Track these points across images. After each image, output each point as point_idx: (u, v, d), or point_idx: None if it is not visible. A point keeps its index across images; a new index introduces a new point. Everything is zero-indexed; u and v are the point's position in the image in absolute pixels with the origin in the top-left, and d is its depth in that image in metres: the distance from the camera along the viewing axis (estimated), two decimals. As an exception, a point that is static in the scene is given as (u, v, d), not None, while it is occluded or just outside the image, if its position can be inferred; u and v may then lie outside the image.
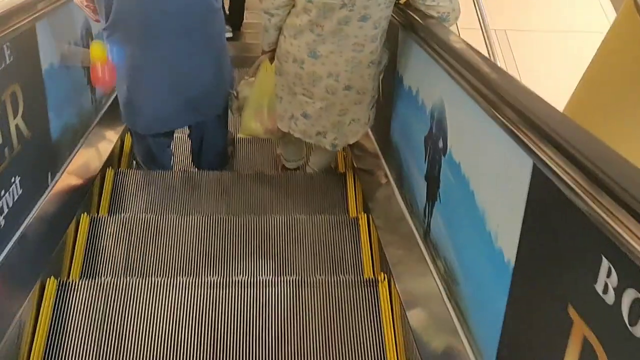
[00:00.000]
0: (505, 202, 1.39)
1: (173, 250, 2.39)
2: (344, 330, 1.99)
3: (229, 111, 2.93)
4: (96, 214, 2.63)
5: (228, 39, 3.28)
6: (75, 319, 1.97)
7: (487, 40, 3.30)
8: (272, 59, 2.62)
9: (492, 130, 1.40)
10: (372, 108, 2.62)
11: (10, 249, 1.92)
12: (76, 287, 2.05)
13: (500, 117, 1.36)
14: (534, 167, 1.21)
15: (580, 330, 1.04)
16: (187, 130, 3.09)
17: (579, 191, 1.02)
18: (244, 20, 5.04)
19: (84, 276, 2.27)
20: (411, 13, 2.27)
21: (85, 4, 2.57)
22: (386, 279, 2.13)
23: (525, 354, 1.29)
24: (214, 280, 2.10)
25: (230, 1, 4.85)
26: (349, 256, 2.42)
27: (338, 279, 2.15)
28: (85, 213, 2.47)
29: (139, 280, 2.09)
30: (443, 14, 2.24)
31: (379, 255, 2.34)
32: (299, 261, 2.39)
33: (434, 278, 1.90)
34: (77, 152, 2.68)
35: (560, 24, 4.74)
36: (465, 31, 3.17)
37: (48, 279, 2.04)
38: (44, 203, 2.23)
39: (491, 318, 1.42)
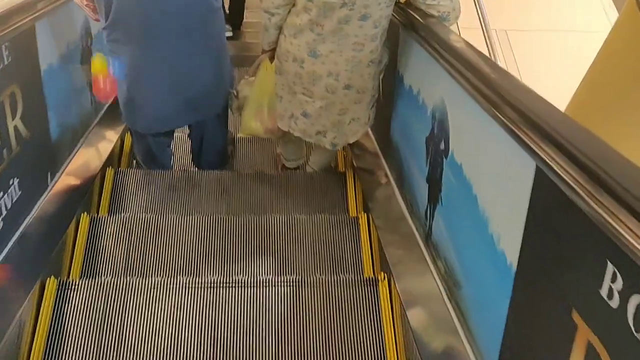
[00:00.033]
0: (507, 204, 1.38)
1: (173, 250, 2.39)
2: (344, 330, 1.99)
3: (229, 110, 2.93)
4: (96, 214, 2.63)
5: (228, 38, 3.28)
6: (75, 319, 1.97)
7: (487, 40, 3.30)
8: (272, 58, 2.61)
9: (495, 132, 1.39)
10: (372, 107, 2.61)
11: (10, 248, 1.91)
12: (76, 287, 2.05)
13: (502, 118, 1.34)
14: (537, 168, 1.19)
15: (584, 336, 1.02)
16: (187, 130, 3.08)
17: (582, 193, 1.00)
18: (244, 20, 5.04)
19: (84, 276, 2.27)
20: (412, 12, 2.27)
21: (85, 3, 2.56)
22: (386, 279, 2.13)
23: (528, 358, 1.27)
24: (213, 280, 2.10)
25: (230, 0, 4.85)
26: (349, 255, 2.42)
27: (338, 278, 2.15)
28: (85, 213, 2.47)
29: (139, 280, 2.09)
30: (443, 13, 2.23)
31: (379, 254, 2.34)
32: (298, 260, 2.39)
33: (434, 278, 1.89)
34: (76, 152, 2.67)
35: (561, 24, 4.74)
36: (466, 31, 3.17)
37: (48, 278, 2.04)
38: (44, 203, 2.22)
39: (493, 321, 1.40)
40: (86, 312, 1.99)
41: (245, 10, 5.01)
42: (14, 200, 1.95)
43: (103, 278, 2.15)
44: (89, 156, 2.79)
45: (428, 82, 2.11)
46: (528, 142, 1.21)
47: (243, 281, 2.10)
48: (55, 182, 2.38)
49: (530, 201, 1.24)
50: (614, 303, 0.94)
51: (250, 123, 2.81)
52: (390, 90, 2.58)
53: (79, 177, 2.61)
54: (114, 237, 2.41)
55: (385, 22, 2.34)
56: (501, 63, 3.65)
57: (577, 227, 1.06)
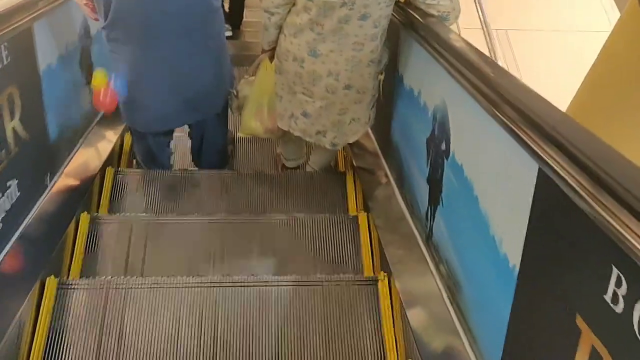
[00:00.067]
0: (509, 206, 1.36)
1: (173, 249, 2.39)
2: (344, 329, 1.99)
3: (229, 110, 2.93)
4: (96, 213, 2.63)
5: (227, 37, 3.28)
6: (75, 318, 1.97)
7: (488, 40, 3.30)
8: (272, 58, 2.61)
9: (496, 133, 1.37)
10: (372, 107, 2.61)
11: (10, 248, 1.91)
12: (76, 286, 2.05)
13: (504, 118, 1.33)
14: (540, 171, 1.18)
15: (588, 341, 1.01)
16: (187, 129, 3.08)
17: (587, 197, 0.98)
18: (244, 19, 5.04)
19: (83, 275, 2.26)
20: (412, 12, 2.27)
21: (84, 2, 2.56)
22: (386, 278, 2.13)
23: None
24: (213, 279, 2.10)
25: (230, 0, 4.85)
26: (349, 255, 2.42)
27: (338, 277, 2.15)
28: (85, 212, 2.47)
29: (139, 279, 2.09)
30: (443, 13, 2.23)
31: (379, 254, 2.34)
32: (299, 260, 2.39)
33: (434, 279, 1.89)
34: (76, 152, 2.67)
35: (561, 24, 4.74)
36: (466, 30, 3.17)
37: (48, 278, 2.04)
38: (43, 203, 2.22)
39: (495, 324, 1.39)
40: (86, 311, 1.99)
41: (245, 9, 5.01)
42: (13, 201, 1.95)
43: (103, 277, 2.15)
44: (89, 156, 2.79)
45: (429, 82, 2.11)
46: (530, 144, 1.19)
47: (243, 281, 2.10)
48: (55, 181, 2.38)
49: (532, 204, 1.22)
50: (619, 308, 0.93)
51: (250, 123, 2.81)
52: (390, 90, 2.58)
53: (79, 177, 2.60)
54: (113, 236, 2.41)
55: (385, 22, 2.34)
56: (501, 63, 3.65)
57: (580, 230, 1.04)
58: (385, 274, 2.15)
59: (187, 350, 1.90)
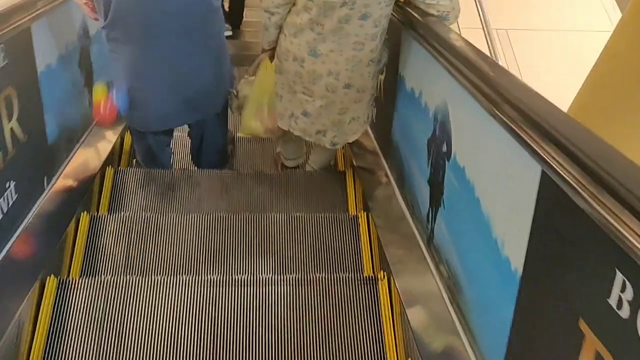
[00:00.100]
0: (512, 208, 1.35)
1: (173, 249, 2.39)
2: (344, 328, 1.99)
3: (229, 110, 2.93)
4: (96, 213, 2.63)
5: (227, 37, 3.28)
6: (75, 317, 1.97)
7: (488, 40, 3.30)
8: (272, 58, 2.61)
9: (499, 134, 1.35)
10: (372, 106, 2.61)
11: (10, 248, 1.91)
12: (76, 286, 2.05)
13: (506, 119, 1.31)
14: (543, 173, 1.16)
15: (592, 345, 1.00)
16: (187, 129, 3.08)
17: (590, 200, 0.97)
18: (244, 19, 5.04)
19: (83, 274, 2.27)
20: (413, 12, 2.26)
21: (84, 1, 2.56)
22: (386, 277, 2.13)
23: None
24: (214, 279, 2.10)
25: (230, 0, 4.85)
26: (349, 254, 2.42)
27: (338, 277, 2.15)
28: (85, 211, 2.47)
29: (139, 279, 2.09)
30: (443, 12, 2.23)
31: (379, 253, 2.34)
32: (299, 259, 2.39)
33: (434, 279, 1.88)
34: (76, 151, 2.67)
35: (561, 24, 4.74)
36: (467, 30, 3.17)
37: (48, 277, 2.03)
38: (44, 202, 2.22)
39: (497, 327, 1.38)
40: (86, 310, 1.99)
41: (245, 9, 5.01)
42: (12, 201, 1.95)
43: (103, 277, 2.15)
44: (89, 155, 2.79)
45: (430, 83, 2.10)
46: (533, 146, 1.17)
47: (243, 280, 2.10)
48: (55, 181, 2.38)
49: (535, 206, 1.20)
50: (624, 313, 0.91)
51: (250, 122, 2.81)
52: (391, 90, 2.58)
53: (79, 176, 2.60)
54: (113, 235, 2.41)
55: (385, 22, 2.34)
56: (502, 62, 3.65)
57: (584, 233, 1.03)
58: (385, 273, 2.15)
59: (186, 349, 1.90)
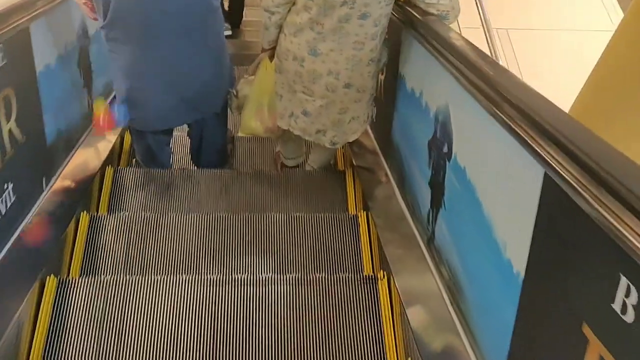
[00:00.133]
0: (514, 211, 1.33)
1: (173, 248, 2.39)
2: (344, 328, 1.99)
3: (229, 109, 2.93)
4: (96, 212, 2.63)
5: (227, 36, 3.28)
6: (75, 317, 1.97)
7: (488, 39, 3.30)
8: (272, 57, 2.61)
9: (500, 135, 1.34)
10: (372, 106, 2.61)
11: (9, 247, 1.91)
12: (76, 285, 2.05)
13: (507, 120, 1.30)
14: (546, 175, 1.15)
15: (596, 350, 0.98)
16: (186, 129, 3.08)
17: (594, 203, 0.95)
18: (244, 18, 5.03)
19: (83, 274, 2.27)
20: (411, 11, 2.26)
21: (83, 1, 2.56)
22: (386, 277, 2.13)
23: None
24: (213, 278, 2.10)
25: (230, -1, 4.85)
26: (349, 254, 2.42)
27: (338, 276, 2.15)
28: (85, 211, 2.47)
29: (139, 278, 2.09)
30: (442, 12, 2.23)
31: (379, 253, 2.34)
32: (298, 259, 2.39)
33: (435, 280, 1.88)
34: (76, 151, 2.67)
35: (562, 23, 4.74)
36: (467, 30, 3.17)
37: (48, 276, 2.03)
38: (44, 202, 2.22)
39: (499, 330, 1.37)
40: (86, 310, 1.99)
41: (245, 8, 5.01)
42: (11, 202, 1.94)
43: (103, 276, 2.15)
44: (89, 155, 2.78)
45: (430, 83, 2.09)
46: (536, 148, 1.15)
47: (243, 279, 2.10)
48: (55, 180, 2.37)
49: (538, 209, 1.19)
50: (629, 318, 0.90)
51: (250, 122, 2.81)
52: (391, 90, 2.58)
53: (79, 176, 2.60)
54: (113, 235, 2.41)
55: (385, 21, 2.34)
56: (502, 62, 3.65)
57: (588, 237, 1.01)
58: (385, 273, 2.15)
59: (186, 349, 1.90)
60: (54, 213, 2.27)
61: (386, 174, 2.63)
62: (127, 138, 3.32)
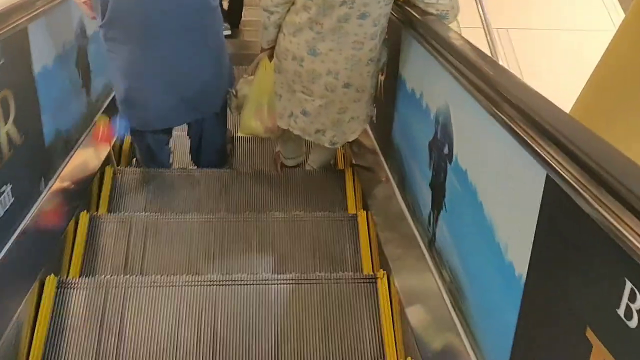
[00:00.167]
0: (515, 213, 1.32)
1: (172, 248, 2.39)
2: (344, 327, 2.00)
3: (228, 109, 2.92)
4: (95, 212, 2.63)
5: (226, 36, 3.27)
6: (74, 317, 1.96)
7: (489, 39, 3.30)
8: (271, 57, 2.61)
9: (501, 136, 1.33)
10: (371, 106, 2.61)
11: (9, 247, 1.90)
12: (76, 285, 2.04)
13: (508, 121, 1.29)
14: (548, 178, 1.14)
15: (600, 356, 0.97)
16: (186, 128, 3.08)
17: (597, 205, 0.94)
18: (243, 18, 5.03)
19: (83, 274, 2.26)
20: (413, 12, 2.25)
21: (82, 0, 2.55)
22: (385, 276, 2.13)
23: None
24: (213, 278, 2.10)
25: (229, -1, 4.85)
26: (349, 253, 2.42)
27: (337, 276, 2.15)
28: (85, 211, 2.46)
29: (138, 278, 2.09)
30: (442, 11, 2.23)
31: (378, 252, 2.34)
32: (298, 258, 2.39)
33: (435, 280, 1.87)
34: (75, 151, 2.66)
35: (562, 23, 4.74)
36: (467, 30, 3.16)
37: (47, 277, 2.03)
38: (43, 202, 2.21)
39: (500, 333, 1.36)
40: (85, 310, 1.99)
41: (244, 8, 5.00)
42: (10, 203, 1.93)
43: (102, 276, 2.15)
44: (88, 155, 2.78)
45: (431, 84, 2.08)
46: (537, 150, 1.14)
47: (243, 279, 2.10)
48: (55, 180, 2.37)
49: (540, 211, 1.17)
50: (633, 323, 0.89)
51: (250, 122, 2.80)
52: (391, 90, 2.57)
53: (78, 176, 2.60)
54: (113, 235, 2.41)
55: (384, 21, 2.34)
56: (502, 62, 3.65)
57: (591, 240, 1.00)
58: (385, 272, 2.15)
59: (186, 349, 1.90)
60: (54, 213, 2.27)
61: (386, 174, 2.63)
62: (127, 138, 3.32)
